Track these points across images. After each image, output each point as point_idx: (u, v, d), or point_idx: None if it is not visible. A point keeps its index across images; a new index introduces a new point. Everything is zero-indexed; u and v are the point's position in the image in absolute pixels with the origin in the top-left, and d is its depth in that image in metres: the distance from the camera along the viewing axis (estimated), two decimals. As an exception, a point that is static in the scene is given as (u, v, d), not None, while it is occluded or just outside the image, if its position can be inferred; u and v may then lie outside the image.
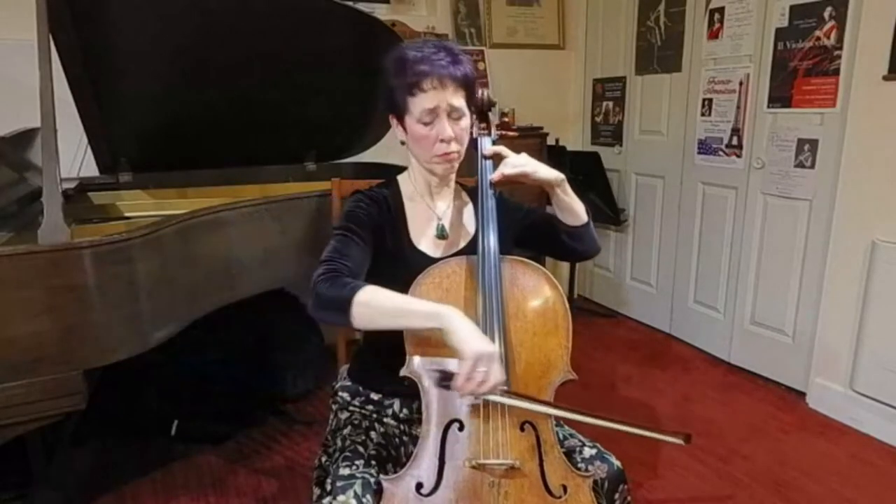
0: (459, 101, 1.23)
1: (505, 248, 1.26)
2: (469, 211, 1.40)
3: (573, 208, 1.32)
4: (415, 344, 1.16)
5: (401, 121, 1.28)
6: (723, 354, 3.06)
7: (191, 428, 2.33)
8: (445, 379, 1.08)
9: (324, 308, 1.14)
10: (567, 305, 1.22)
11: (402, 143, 1.32)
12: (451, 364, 1.08)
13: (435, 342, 1.12)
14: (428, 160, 1.28)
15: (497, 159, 1.30)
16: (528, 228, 1.40)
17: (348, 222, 1.29)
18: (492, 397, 1.09)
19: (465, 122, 1.26)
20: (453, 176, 1.36)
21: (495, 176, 1.26)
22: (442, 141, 1.23)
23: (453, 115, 1.23)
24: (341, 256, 1.22)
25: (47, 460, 1.95)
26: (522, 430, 1.12)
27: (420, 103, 1.21)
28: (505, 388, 1.09)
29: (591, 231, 1.38)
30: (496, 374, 1.05)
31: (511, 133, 3.28)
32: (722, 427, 2.44)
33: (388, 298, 1.12)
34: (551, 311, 1.21)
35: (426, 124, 1.23)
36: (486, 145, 1.32)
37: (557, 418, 1.22)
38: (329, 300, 1.13)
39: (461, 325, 1.06)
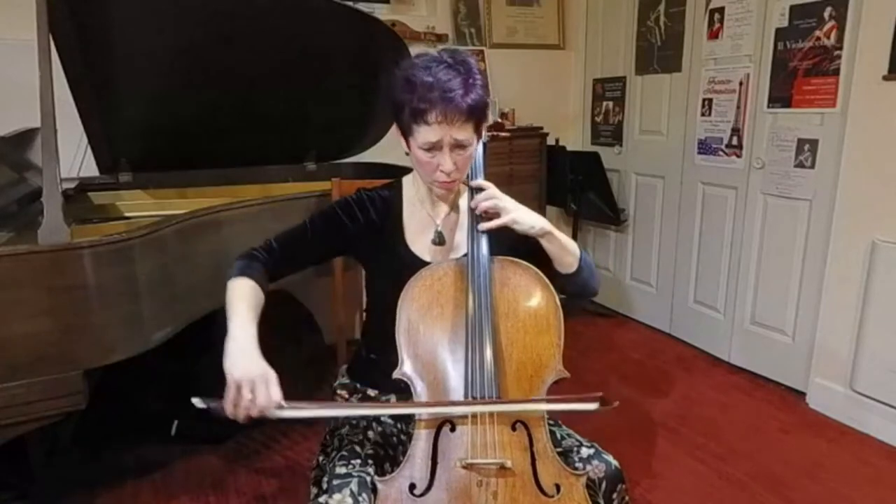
0: (465, 133, 1.17)
1: (499, 253, 1.25)
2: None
3: (560, 259, 1.27)
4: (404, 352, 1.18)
5: (405, 137, 1.24)
6: (723, 354, 3.06)
7: (191, 428, 2.32)
8: (220, 410, 1.07)
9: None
10: (559, 303, 1.21)
11: (407, 153, 1.27)
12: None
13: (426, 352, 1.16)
14: (427, 182, 1.27)
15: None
16: (524, 254, 1.28)
17: (318, 218, 1.35)
18: (280, 413, 1.08)
19: (470, 150, 1.21)
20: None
21: (481, 226, 1.22)
22: (441, 171, 1.21)
23: (457, 147, 1.18)
24: (281, 243, 1.32)
25: (47, 460, 1.96)
26: (514, 429, 1.11)
27: (423, 134, 1.17)
28: (282, 405, 1.08)
29: (583, 279, 1.30)
30: (262, 396, 1.06)
31: (504, 134, 3.28)
32: (722, 427, 2.43)
33: (233, 297, 1.20)
34: (543, 309, 1.20)
35: (428, 151, 1.19)
36: (477, 151, 1.29)
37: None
38: (230, 271, 1.25)
39: (230, 351, 1.10)
